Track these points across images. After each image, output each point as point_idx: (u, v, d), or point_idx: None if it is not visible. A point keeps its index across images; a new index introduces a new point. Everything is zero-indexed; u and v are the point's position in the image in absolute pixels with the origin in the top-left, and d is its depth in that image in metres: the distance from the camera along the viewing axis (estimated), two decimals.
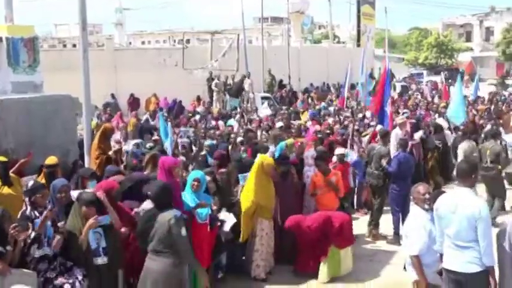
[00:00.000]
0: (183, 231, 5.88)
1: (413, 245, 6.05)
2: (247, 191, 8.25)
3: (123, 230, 6.45)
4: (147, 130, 15.89)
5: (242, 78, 27.13)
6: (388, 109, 13.64)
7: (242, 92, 26.65)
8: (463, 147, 12.67)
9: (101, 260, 6.01)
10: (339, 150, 10.94)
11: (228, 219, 7.76)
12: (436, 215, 5.86)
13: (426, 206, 6.17)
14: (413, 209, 6.32)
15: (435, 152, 14.03)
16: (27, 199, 6.10)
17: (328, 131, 14.11)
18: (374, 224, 10.78)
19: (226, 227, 7.68)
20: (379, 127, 14.57)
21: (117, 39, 42.04)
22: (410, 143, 12.24)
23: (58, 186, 6.55)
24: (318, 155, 9.69)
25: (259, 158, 8.56)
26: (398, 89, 35.87)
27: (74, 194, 6.53)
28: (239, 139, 13.10)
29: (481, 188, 11.37)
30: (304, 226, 8.44)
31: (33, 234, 5.72)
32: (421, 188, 6.30)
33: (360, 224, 11.07)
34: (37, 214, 5.90)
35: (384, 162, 10.72)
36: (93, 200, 6.13)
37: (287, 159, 9.54)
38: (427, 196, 6.19)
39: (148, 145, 12.21)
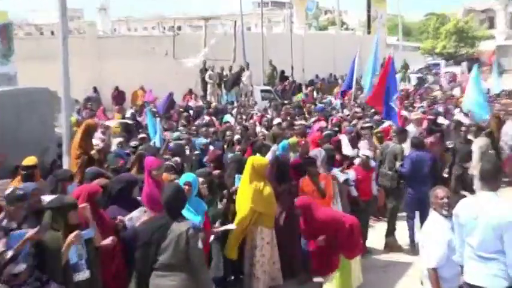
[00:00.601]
0: (200, 244, 5.83)
1: (430, 257, 5.99)
2: (242, 198, 8.19)
3: (108, 241, 6.33)
4: (130, 128, 15.90)
5: (240, 70, 27.11)
6: (395, 105, 13.61)
7: (239, 85, 26.64)
8: (479, 143, 12.65)
9: (82, 276, 5.91)
10: (363, 152, 10.83)
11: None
12: (456, 222, 5.83)
13: (445, 212, 6.11)
14: (432, 215, 6.28)
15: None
16: (7, 206, 5.95)
17: (336, 129, 14.08)
18: (388, 231, 10.76)
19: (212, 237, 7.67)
20: (389, 123, 14.60)
21: (100, 25, 41.90)
22: (428, 140, 12.18)
23: (29, 190, 6.43)
24: (307, 158, 9.52)
25: (250, 159, 8.49)
26: (413, 81, 35.88)
27: (46, 198, 6.40)
28: (236, 137, 13.07)
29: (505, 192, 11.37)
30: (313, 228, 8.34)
31: (10, 254, 5.56)
32: (439, 191, 6.25)
33: (373, 232, 11.05)
34: (14, 226, 5.76)
35: (397, 164, 10.73)
36: (77, 204, 6.07)
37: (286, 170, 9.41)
38: (445, 200, 6.14)
39: (133, 143, 12.19)
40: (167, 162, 9.28)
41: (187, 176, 7.53)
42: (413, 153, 10.68)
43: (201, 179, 7.78)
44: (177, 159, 9.81)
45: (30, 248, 5.62)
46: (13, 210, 5.79)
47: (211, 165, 9.51)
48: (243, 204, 8.12)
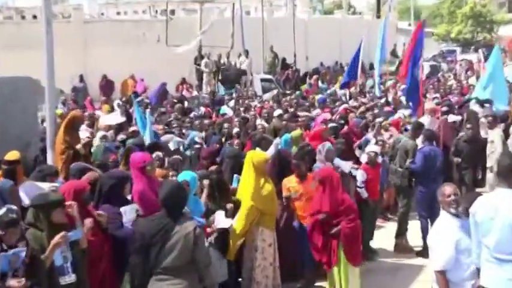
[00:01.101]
0: (208, 243, 5.87)
1: (437, 258, 6.02)
2: (242, 196, 8.21)
3: (87, 223, 6.31)
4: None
5: (239, 72, 26.94)
6: (418, 75, 13.76)
7: (239, 81, 26.50)
8: (498, 133, 12.65)
9: (68, 279, 5.90)
10: (371, 148, 10.77)
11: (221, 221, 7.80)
12: (472, 221, 5.84)
13: (453, 210, 6.13)
14: (441, 214, 6.29)
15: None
16: None
17: (341, 121, 14.10)
18: (398, 232, 10.79)
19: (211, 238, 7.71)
20: (399, 115, 14.60)
21: (87, 9, 41.86)
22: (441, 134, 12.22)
23: (6, 188, 6.38)
24: (298, 154, 9.48)
25: (249, 154, 8.51)
26: (426, 70, 35.84)
27: (25, 197, 6.39)
28: (235, 130, 13.07)
29: None
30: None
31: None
32: (446, 188, 6.26)
33: (381, 233, 11.09)
34: (4, 247, 5.69)
35: (408, 161, 10.75)
36: (63, 201, 6.09)
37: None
38: (453, 198, 6.14)
39: (120, 137, 12.19)
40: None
41: (185, 175, 7.56)
42: (426, 147, 10.69)
43: (205, 181, 7.83)
44: (159, 154, 9.75)
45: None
46: (5, 235, 5.68)
47: (204, 162, 9.51)
48: (244, 202, 8.15)
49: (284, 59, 33.56)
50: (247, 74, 27.30)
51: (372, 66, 29.64)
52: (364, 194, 10.10)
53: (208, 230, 7.65)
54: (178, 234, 5.76)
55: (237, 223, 8.05)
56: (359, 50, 20.43)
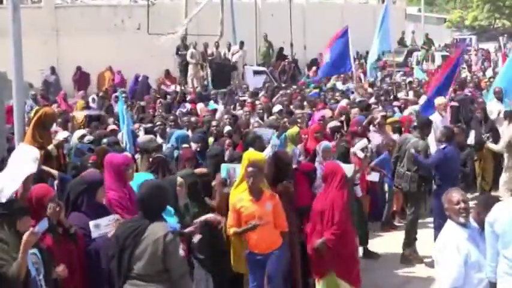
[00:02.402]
0: (181, 252, 5.89)
1: (445, 276, 6.03)
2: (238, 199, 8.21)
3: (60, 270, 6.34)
4: (95, 118, 15.92)
5: (230, 67, 26.92)
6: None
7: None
8: (510, 133, 12.79)
9: None
10: (360, 144, 10.92)
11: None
12: (489, 231, 5.88)
13: (462, 220, 6.15)
14: (447, 224, 6.32)
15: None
16: None
17: (341, 118, 14.16)
18: (406, 242, 10.83)
19: (196, 238, 7.73)
20: (409, 111, 14.67)
21: None
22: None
23: None
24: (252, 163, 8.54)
25: (245, 155, 8.57)
26: (438, 61, 35.94)
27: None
28: (227, 128, 13.08)
29: None
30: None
31: None
32: (454, 194, 6.30)
33: (387, 243, 11.14)
34: None
35: (413, 151, 10.79)
36: (24, 208, 6.09)
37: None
38: (462, 206, 6.18)
39: (87, 138, 12.16)
40: None
41: (146, 176, 7.57)
42: (447, 147, 10.65)
43: (179, 180, 7.83)
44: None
45: None
46: None
47: (187, 164, 9.52)
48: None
49: (281, 49, 33.57)
50: (239, 67, 27.30)
51: (379, 58, 29.66)
52: (359, 192, 10.19)
53: (189, 228, 7.62)
54: (147, 240, 5.84)
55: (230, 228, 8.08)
56: (346, 38, 19.97)
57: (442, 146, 10.79)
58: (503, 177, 13.04)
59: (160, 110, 17.23)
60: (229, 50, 28.25)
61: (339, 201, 8.39)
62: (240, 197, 8.10)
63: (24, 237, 5.75)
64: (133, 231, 5.93)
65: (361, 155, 10.70)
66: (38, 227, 5.91)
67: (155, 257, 5.80)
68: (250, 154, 8.61)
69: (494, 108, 15.16)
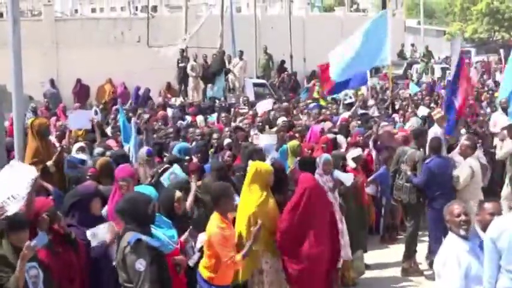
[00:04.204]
0: (139, 265, 5.88)
1: None
2: (246, 212, 8.21)
3: None
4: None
5: (220, 55, 26.93)
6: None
7: (223, 75, 26.53)
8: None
9: None
10: (353, 153, 11.09)
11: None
12: (490, 245, 5.86)
13: (463, 232, 6.14)
14: (448, 236, 6.31)
15: None
16: None
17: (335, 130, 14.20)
18: (406, 255, 10.83)
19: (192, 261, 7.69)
20: (411, 123, 14.67)
21: (58, 6, 41.92)
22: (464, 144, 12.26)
23: None
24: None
25: (253, 165, 8.60)
26: (437, 73, 36.00)
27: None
28: (227, 141, 13.08)
29: None
30: None
31: None
32: (455, 206, 6.29)
33: (387, 255, 11.13)
34: None
35: (406, 168, 10.82)
36: (24, 222, 6.09)
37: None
38: (463, 218, 6.17)
39: (97, 151, 12.18)
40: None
41: (143, 189, 7.57)
42: (432, 161, 10.70)
43: (178, 194, 7.82)
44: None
45: None
46: None
47: (192, 176, 9.52)
48: (245, 217, 8.16)
49: (283, 62, 33.61)
50: (240, 79, 27.32)
51: (378, 70, 29.72)
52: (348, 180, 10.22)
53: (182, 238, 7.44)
54: (119, 250, 6.01)
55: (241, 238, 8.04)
56: None
57: (427, 160, 10.84)
58: (505, 191, 12.97)
59: (160, 123, 17.21)
60: (229, 63, 28.26)
61: (289, 212, 8.40)
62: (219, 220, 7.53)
63: (23, 251, 5.77)
64: (118, 242, 6.13)
65: (352, 165, 10.78)
66: (35, 241, 5.90)
67: (119, 266, 5.96)
68: (257, 164, 8.65)
69: (498, 120, 15.19)
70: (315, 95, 24.86)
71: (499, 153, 13.35)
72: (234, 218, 8.19)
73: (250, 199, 8.24)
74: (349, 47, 17.08)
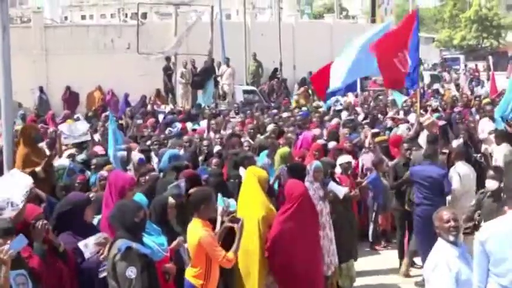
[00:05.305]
0: (130, 273, 5.86)
1: None
2: (253, 217, 8.25)
3: None
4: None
5: (210, 62, 26.91)
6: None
7: (212, 82, 26.51)
8: (503, 151, 12.78)
9: None
10: (343, 159, 11.10)
11: None
12: (480, 250, 5.88)
13: (452, 238, 6.14)
14: (438, 242, 6.31)
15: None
16: None
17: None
18: (400, 255, 10.98)
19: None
20: (401, 130, 14.69)
21: (48, 12, 41.81)
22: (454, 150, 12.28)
23: None
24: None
25: (249, 171, 8.62)
26: (427, 80, 36.11)
27: None
28: (217, 148, 13.05)
29: None
30: None
31: None
32: (444, 213, 6.29)
33: (381, 261, 11.16)
34: None
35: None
36: (11, 229, 6.04)
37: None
38: (452, 224, 6.16)
39: (80, 157, 12.15)
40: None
41: (138, 196, 7.54)
42: (415, 166, 10.83)
43: (171, 201, 7.79)
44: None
45: None
46: None
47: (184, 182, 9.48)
48: (254, 221, 8.20)
49: (276, 70, 33.61)
50: (230, 85, 27.33)
51: (367, 77, 29.83)
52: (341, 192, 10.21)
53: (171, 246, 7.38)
54: (109, 257, 6.03)
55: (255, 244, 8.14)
56: None
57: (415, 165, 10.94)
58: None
59: (149, 130, 17.18)
60: (219, 69, 28.26)
61: (280, 221, 8.42)
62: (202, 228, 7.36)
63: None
64: (109, 249, 6.14)
65: (339, 170, 10.79)
66: (12, 244, 5.72)
67: (109, 275, 5.96)
68: (255, 170, 8.73)
69: (486, 126, 15.21)
70: (293, 103, 25.04)
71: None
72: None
73: (253, 204, 8.31)
74: (349, 56, 17.16)
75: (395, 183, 11.22)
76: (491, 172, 9.24)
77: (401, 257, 11.23)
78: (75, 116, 20.38)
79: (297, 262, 8.32)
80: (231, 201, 8.59)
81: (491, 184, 8.98)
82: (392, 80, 15.13)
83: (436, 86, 33.14)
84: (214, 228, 7.69)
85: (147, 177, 9.71)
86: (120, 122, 18.63)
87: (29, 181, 7.03)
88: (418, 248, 10.50)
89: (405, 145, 12.06)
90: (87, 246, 6.69)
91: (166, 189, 8.35)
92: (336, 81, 16.43)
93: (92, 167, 10.86)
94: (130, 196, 7.53)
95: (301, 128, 16.50)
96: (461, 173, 10.65)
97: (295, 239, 8.33)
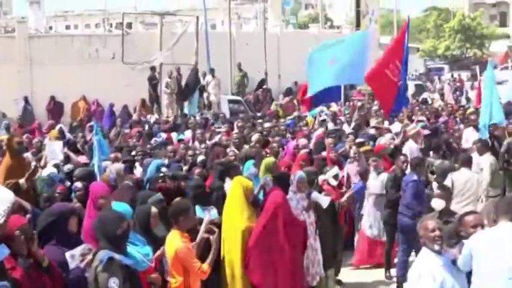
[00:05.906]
0: (112, 284, 5.84)
1: None
2: (237, 228, 8.27)
3: None
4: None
5: (194, 72, 26.94)
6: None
7: (197, 92, 26.54)
8: (489, 160, 12.86)
9: None
10: (332, 171, 11.03)
11: None
12: (467, 254, 5.92)
13: (437, 247, 6.16)
14: (422, 251, 6.32)
15: None
16: None
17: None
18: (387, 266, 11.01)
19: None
20: (385, 140, 14.74)
21: (32, 22, 41.65)
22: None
23: None
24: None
25: (235, 181, 8.62)
26: (411, 90, 36.26)
27: None
28: (200, 158, 13.04)
29: None
30: None
31: None
32: (429, 222, 6.31)
33: (359, 274, 11.20)
34: None
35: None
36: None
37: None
38: (437, 233, 6.17)
39: (67, 167, 12.11)
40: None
41: (118, 206, 7.50)
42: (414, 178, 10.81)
43: (154, 210, 7.76)
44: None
45: None
46: None
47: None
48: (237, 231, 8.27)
49: (263, 80, 33.64)
50: (216, 96, 27.36)
51: (352, 87, 29.95)
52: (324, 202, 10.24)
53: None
54: (91, 268, 6.02)
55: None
56: None
57: (407, 178, 10.91)
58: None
59: (134, 140, 17.17)
60: (204, 79, 28.29)
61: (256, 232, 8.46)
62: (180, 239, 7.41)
63: None
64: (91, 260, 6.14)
65: (333, 182, 10.80)
66: None
67: (91, 285, 5.97)
68: (241, 180, 8.77)
69: (470, 136, 15.30)
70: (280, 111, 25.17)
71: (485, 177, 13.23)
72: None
73: (237, 215, 8.35)
74: (326, 61, 17.16)
75: (396, 195, 10.98)
76: (438, 191, 9.24)
77: (387, 268, 11.23)
78: (58, 126, 20.32)
79: (274, 272, 8.35)
80: (212, 209, 8.62)
81: (438, 203, 8.91)
82: (382, 90, 15.17)
83: (425, 95, 33.30)
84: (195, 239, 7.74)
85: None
86: (110, 132, 18.62)
87: (10, 196, 6.96)
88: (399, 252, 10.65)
89: (402, 157, 11.94)
90: (73, 257, 6.66)
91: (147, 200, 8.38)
92: (314, 87, 16.54)
93: (74, 178, 10.76)
94: (104, 204, 7.52)
95: (285, 137, 16.56)
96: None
97: (271, 249, 8.38)
